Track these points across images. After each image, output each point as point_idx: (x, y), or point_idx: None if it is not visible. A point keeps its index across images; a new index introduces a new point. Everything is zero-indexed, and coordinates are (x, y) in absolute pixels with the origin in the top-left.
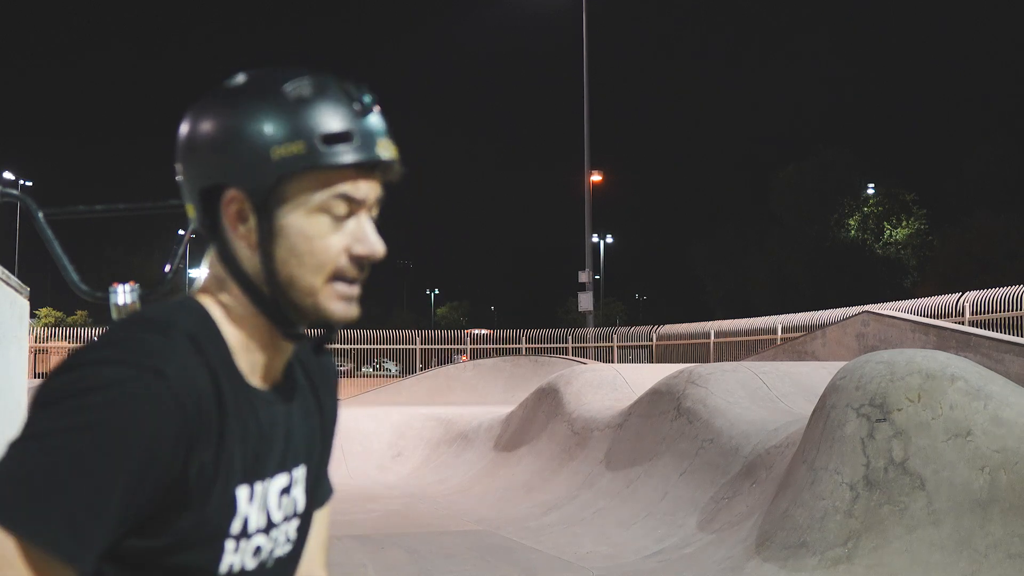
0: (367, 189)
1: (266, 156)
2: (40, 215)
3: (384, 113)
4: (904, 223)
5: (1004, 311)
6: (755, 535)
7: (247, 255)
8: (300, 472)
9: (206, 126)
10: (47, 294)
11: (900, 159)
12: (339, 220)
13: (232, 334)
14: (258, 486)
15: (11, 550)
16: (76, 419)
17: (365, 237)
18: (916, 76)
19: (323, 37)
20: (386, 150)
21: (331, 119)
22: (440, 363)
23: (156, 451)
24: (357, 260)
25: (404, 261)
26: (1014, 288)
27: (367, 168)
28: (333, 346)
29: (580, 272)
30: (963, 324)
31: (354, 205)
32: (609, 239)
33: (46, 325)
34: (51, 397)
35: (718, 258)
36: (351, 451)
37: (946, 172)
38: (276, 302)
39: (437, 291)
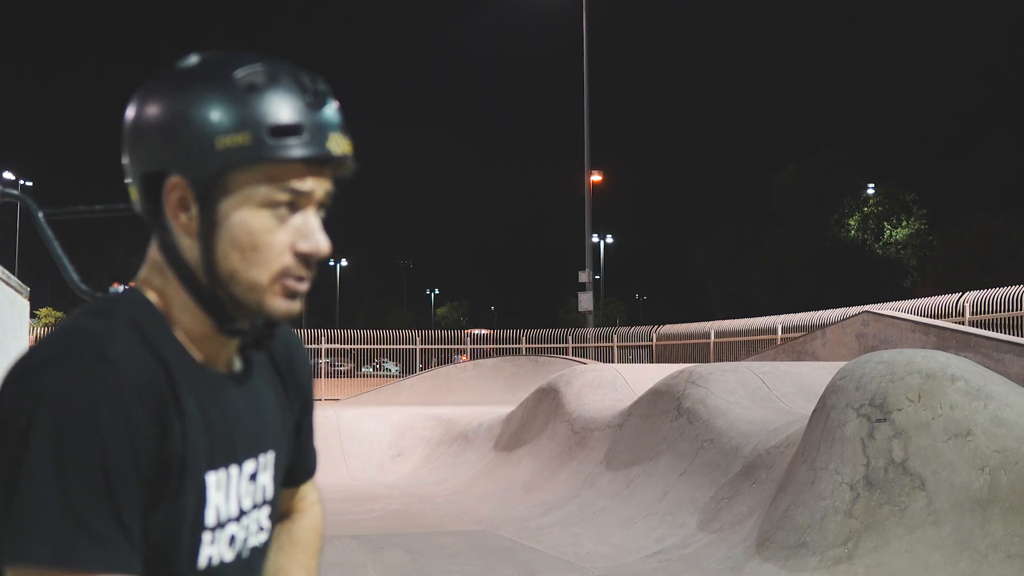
0: (315, 185)
1: (211, 145)
2: (40, 215)
3: (343, 108)
4: (904, 223)
5: (1004, 311)
6: (755, 535)
7: (188, 244)
8: (268, 458)
9: (152, 108)
10: (47, 294)
11: (900, 159)
12: (285, 215)
13: (179, 321)
14: (223, 473)
15: None
16: (40, 440)
17: (311, 234)
18: (916, 76)
19: (323, 37)
20: (338, 145)
21: (281, 110)
22: (440, 363)
23: (132, 434)
24: (302, 257)
25: (404, 261)
26: (1014, 288)
27: (317, 163)
28: (333, 346)
29: (580, 272)
30: (963, 324)
31: (301, 200)
32: (609, 239)
33: (46, 325)
34: (6, 422)
35: (718, 258)
36: (351, 451)
37: (946, 172)
38: (214, 294)
39: (437, 291)
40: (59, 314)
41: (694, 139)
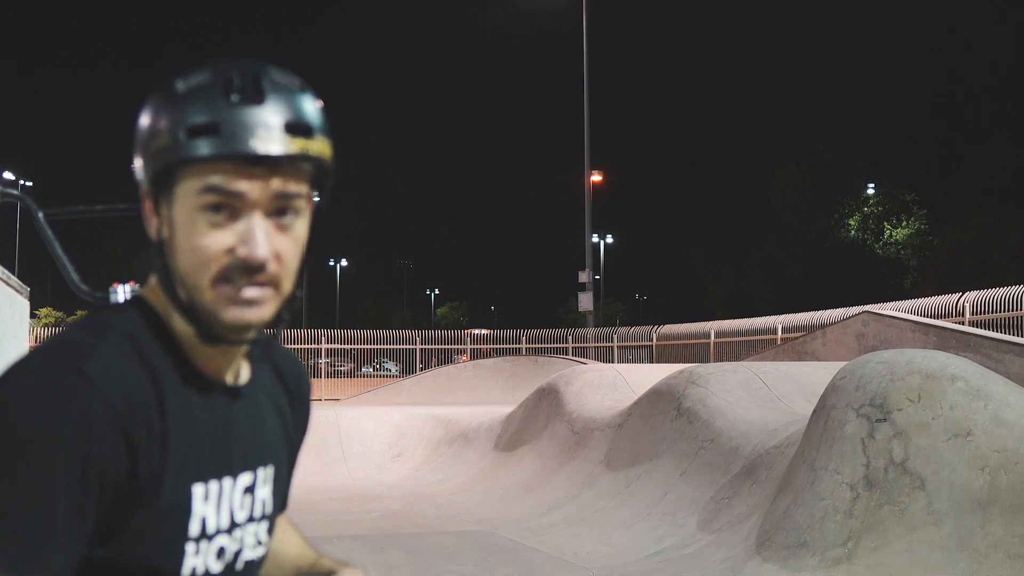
0: (249, 186)
1: (147, 151)
2: (40, 215)
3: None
4: (904, 223)
5: (1004, 311)
6: (755, 535)
7: (160, 250)
8: (268, 472)
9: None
10: (47, 294)
11: (900, 159)
12: (223, 220)
13: (183, 330)
14: (213, 484)
15: None
16: (1, 439)
17: (249, 238)
18: (916, 76)
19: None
20: (267, 143)
21: (198, 111)
22: (440, 363)
23: (89, 450)
24: (239, 262)
25: (404, 261)
26: (1014, 288)
27: (247, 164)
28: (333, 346)
29: (580, 272)
30: (963, 324)
31: (236, 202)
32: (609, 239)
33: (46, 325)
34: None
35: (718, 258)
36: (351, 451)
37: (946, 172)
38: (189, 302)
39: (437, 291)
40: (59, 314)
41: (694, 139)
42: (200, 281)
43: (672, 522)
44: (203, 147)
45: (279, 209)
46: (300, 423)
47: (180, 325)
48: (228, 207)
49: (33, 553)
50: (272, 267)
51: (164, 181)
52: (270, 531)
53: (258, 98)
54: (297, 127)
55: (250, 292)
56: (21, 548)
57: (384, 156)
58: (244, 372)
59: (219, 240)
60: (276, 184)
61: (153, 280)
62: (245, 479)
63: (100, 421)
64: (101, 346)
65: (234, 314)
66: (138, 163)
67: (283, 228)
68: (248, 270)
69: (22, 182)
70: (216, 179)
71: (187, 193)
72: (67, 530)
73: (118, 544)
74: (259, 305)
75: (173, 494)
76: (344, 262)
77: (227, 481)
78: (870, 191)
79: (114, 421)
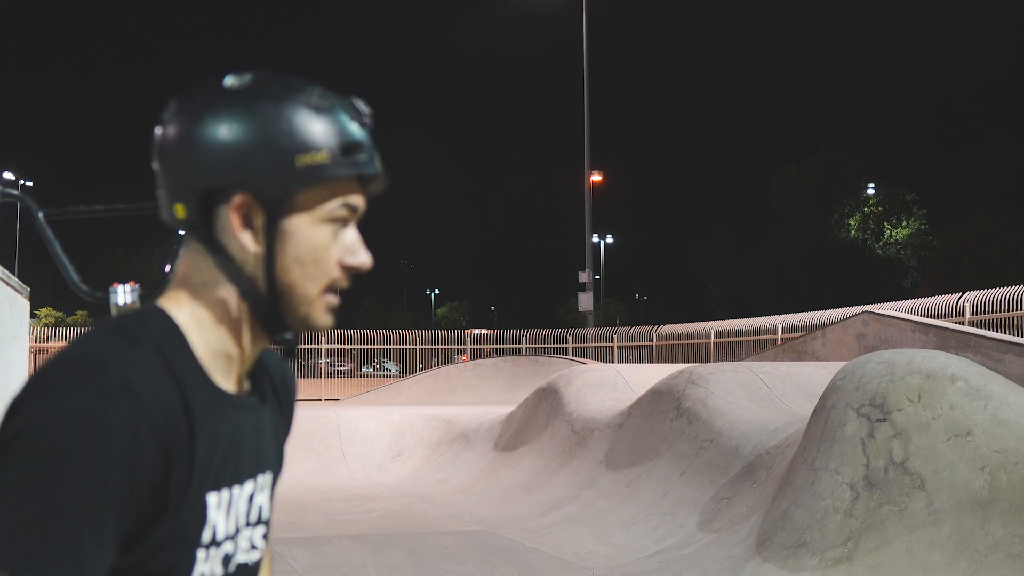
0: (362, 200)
1: (291, 163)
2: (40, 215)
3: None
4: (904, 223)
5: (1004, 311)
6: (755, 535)
7: (248, 259)
8: (266, 478)
9: (213, 126)
10: (47, 294)
11: (900, 159)
12: (339, 231)
13: (199, 342)
14: (225, 493)
15: None
16: (53, 457)
17: (358, 249)
18: (916, 76)
19: (323, 39)
20: (380, 162)
21: (349, 130)
22: (440, 363)
23: (136, 467)
24: (349, 271)
25: (404, 261)
26: (1014, 288)
27: (366, 181)
28: (333, 346)
29: (580, 272)
30: (963, 324)
31: (352, 216)
32: (609, 239)
33: (46, 325)
34: (25, 433)
35: (718, 258)
36: (351, 451)
37: (946, 172)
38: (275, 308)
39: (437, 291)
40: (59, 314)
41: (694, 139)
42: (311, 291)
43: (672, 522)
44: (360, 166)
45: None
46: (288, 422)
47: (207, 335)
48: (343, 220)
49: (85, 570)
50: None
51: (285, 194)
52: (265, 536)
53: (369, 122)
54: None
55: (336, 299)
56: (72, 565)
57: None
58: (247, 382)
59: (334, 251)
60: (366, 198)
61: (175, 291)
62: (248, 487)
63: (146, 439)
64: (140, 359)
65: (328, 319)
66: (236, 171)
67: None
68: (351, 278)
69: (22, 182)
70: (354, 196)
71: (314, 206)
72: (110, 550)
73: (136, 554)
74: (335, 311)
75: (193, 503)
76: None
77: (236, 489)
78: (870, 191)
79: (157, 437)
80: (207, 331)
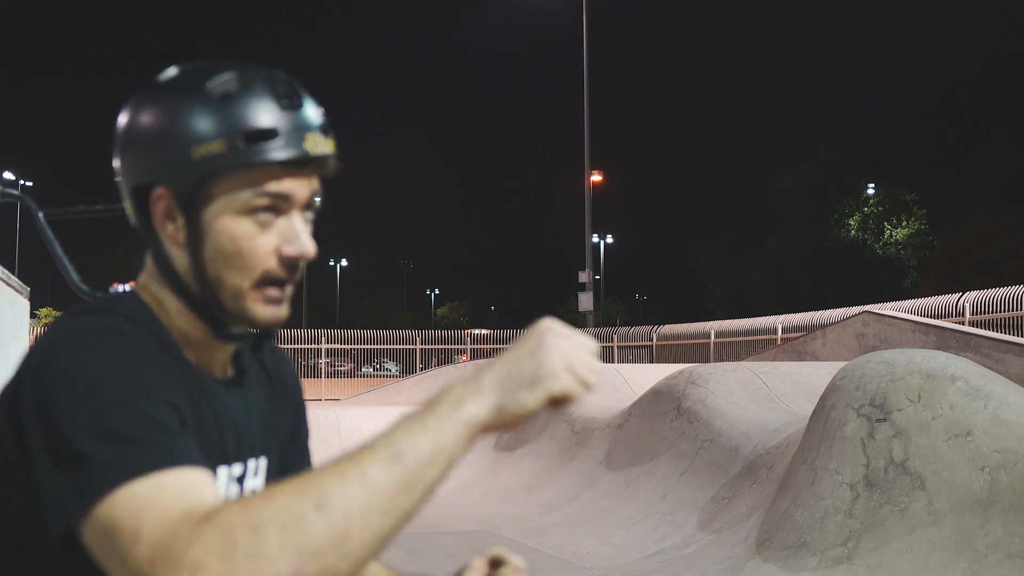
0: (296, 187)
1: (187, 155)
2: (40, 215)
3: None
4: (904, 223)
5: (1004, 311)
6: (755, 535)
7: (176, 253)
8: (260, 463)
9: (134, 123)
10: (47, 294)
11: (900, 159)
12: (268, 220)
13: (174, 325)
14: (219, 471)
15: (160, 492)
16: (102, 358)
17: (296, 237)
18: (916, 76)
19: (323, 39)
20: (316, 146)
21: (254, 115)
22: (440, 363)
23: (162, 366)
24: (287, 261)
25: (404, 261)
26: (1014, 288)
27: (296, 165)
28: (333, 346)
29: (580, 272)
30: (963, 324)
31: (283, 204)
32: (609, 239)
33: (46, 325)
34: (41, 397)
35: (718, 258)
36: None
37: (946, 172)
38: (205, 302)
39: (437, 291)
40: (59, 314)
41: (694, 139)
42: (241, 283)
43: (672, 522)
44: (267, 152)
45: (307, 207)
46: (289, 409)
47: (176, 321)
48: (273, 208)
49: (158, 447)
50: (302, 264)
51: (199, 186)
52: None
53: (298, 103)
54: (327, 128)
55: (284, 291)
56: (140, 449)
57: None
58: (229, 368)
59: (266, 242)
60: (314, 184)
61: (143, 279)
62: (236, 470)
63: (158, 357)
64: (117, 321)
65: (270, 313)
66: (152, 166)
67: (308, 225)
68: (293, 268)
69: (22, 182)
70: (273, 183)
71: (230, 196)
72: (171, 422)
73: None
74: (284, 303)
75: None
76: (344, 262)
77: (222, 471)
78: (870, 191)
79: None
80: (172, 316)
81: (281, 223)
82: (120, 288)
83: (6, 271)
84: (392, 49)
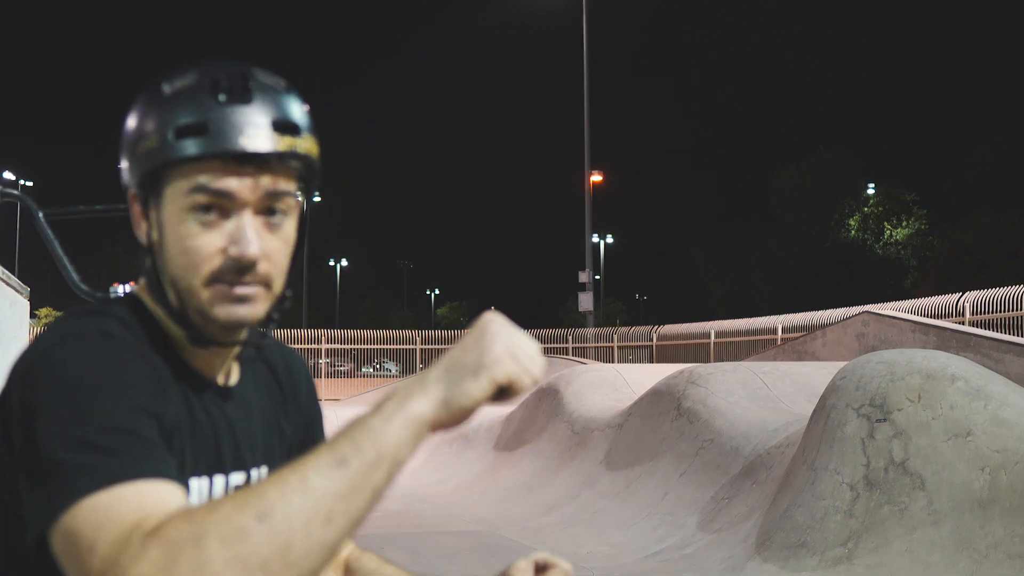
0: (239, 185)
1: (133, 153)
2: (40, 215)
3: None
4: (904, 223)
5: (1004, 311)
6: (755, 535)
7: (147, 254)
8: (262, 472)
9: (122, 126)
10: (47, 294)
11: (900, 159)
12: (215, 220)
13: (171, 328)
14: (204, 480)
15: (120, 504)
16: (86, 361)
17: (240, 238)
18: (916, 76)
19: (324, 39)
20: (254, 140)
21: (186, 111)
22: None
23: (149, 368)
24: (231, 263)
25: (404, 261)
26: (1014, 288)
27: (235, 163)
28: (333, 346)
29: (580, 272)
30: (963, 324)
31: (226, 202)
32: (609, 239)
33: (46, 325)
34: (24, 401)
35: (718, 258)
36: None
37: (946, 172)
38: (180, 304)
39: (437, 291)
40: (59, 314)
41: (694, 139)
42: (192, 282)
43: (672, 522)
44: (191, 147)
45: (268, 208)
46: (299, 416)
47: (171, 324)
48: (218, 207)
49: (134, 457)
50: (262, 266)
51: (153, 184)
52: None
53: (245, 97)
54: (285, 125)
55: (242, 289)
56: (118, 459)
57: (384, 156)
58: (235, 373)
59: (210, 241)
60: (266, 182)
61: (143, 281)
62: (236, 478)
63: (145, 360)
64: (108, 323)
65: (228, 311)
66: (125, 166)
67: (272, 227)
68: (239, 270)
69: (22, 182)
70: (204, 178)
71: (176, 194)
72: (153, 434)
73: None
74: (251, 302)
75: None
76: (344, 262)
77: (218, 478)
78: (870, 191)
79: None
80: (166, 320)
81: (230, 223)
82: (120, 288)
83: (6, 271)
84: (392, 49)
